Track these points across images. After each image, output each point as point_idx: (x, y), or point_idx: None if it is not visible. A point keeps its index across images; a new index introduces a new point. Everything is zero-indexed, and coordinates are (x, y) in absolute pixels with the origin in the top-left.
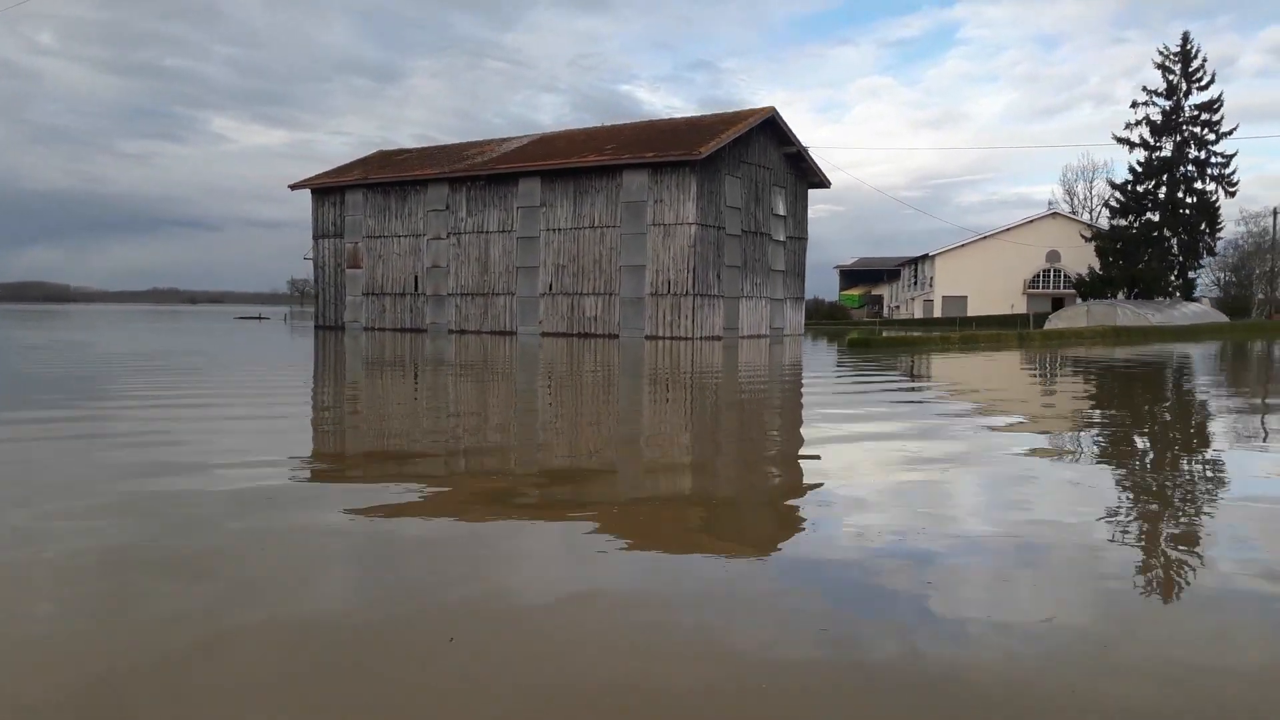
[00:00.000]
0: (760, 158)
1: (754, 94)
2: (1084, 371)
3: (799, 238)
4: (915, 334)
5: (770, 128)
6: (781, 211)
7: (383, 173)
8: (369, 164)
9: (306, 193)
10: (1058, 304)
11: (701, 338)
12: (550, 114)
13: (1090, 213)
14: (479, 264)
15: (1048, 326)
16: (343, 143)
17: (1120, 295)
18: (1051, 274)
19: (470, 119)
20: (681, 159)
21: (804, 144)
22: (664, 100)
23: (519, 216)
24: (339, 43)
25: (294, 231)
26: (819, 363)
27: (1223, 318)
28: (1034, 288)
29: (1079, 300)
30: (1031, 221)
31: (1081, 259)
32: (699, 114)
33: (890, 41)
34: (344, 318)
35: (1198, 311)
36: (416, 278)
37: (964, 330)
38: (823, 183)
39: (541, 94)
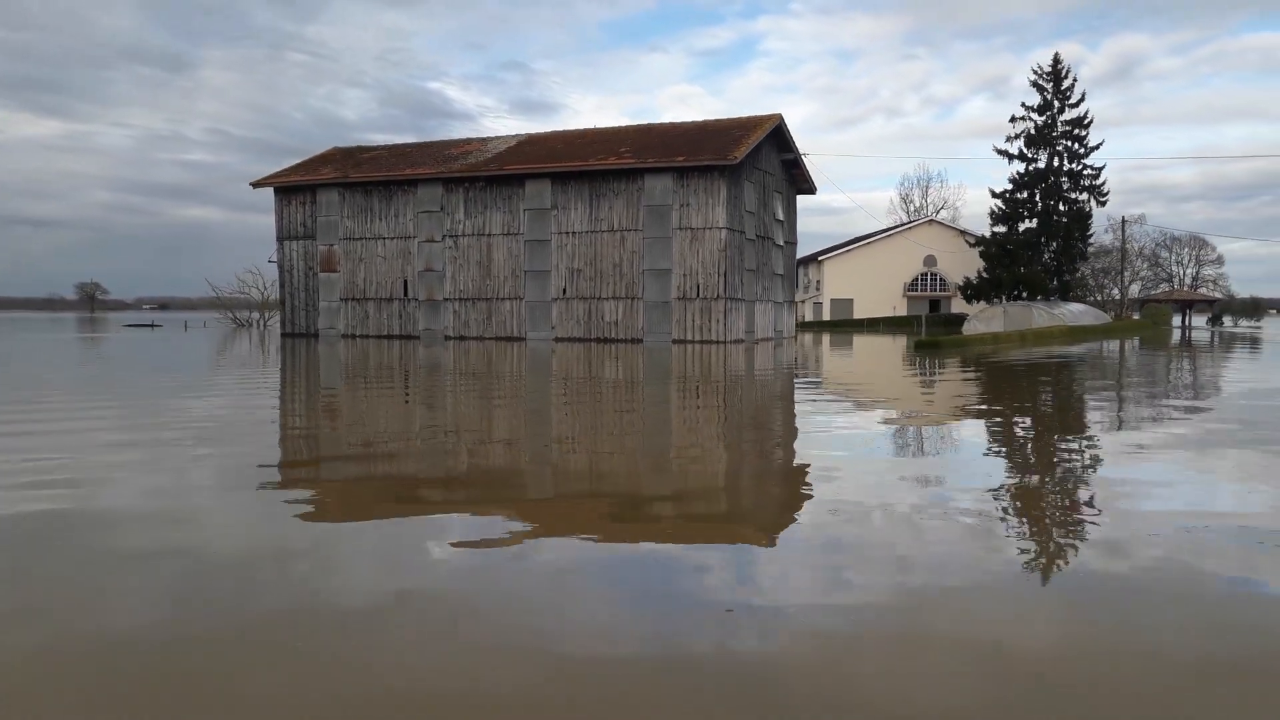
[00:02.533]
0: (766, 164)
1: (567, 96)
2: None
3: (791, 242)
4: (952, 336)
5: (774, 134)
6: (781, 216)
7: (362, 171)
8: (331, 161)
9: (85, 189)
10: (934, 306)
11: (729, 341)
12: (355, 110)
13: (924, 218)
14: (480, 268)
15: (968, 327)
16: (125, 135)
17: (1003, 298)
18: (929, 278)
19: (268, 113)
20: (713, 163)
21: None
22: (475, 100)
23: (526, 219)
24: (123, 27)
25: (73, 231)
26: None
27: (1106, 316)
28: (913, 291)
29: (973, 301)
30: (911, 228)
31: (957, 263)
32: (704, 119)
33: (698, 51)
34: (318, 324)
35: (1086, 310)
36: (406, 282)
37: (932, 333)
38: (811, 189)
39: (346, 89)
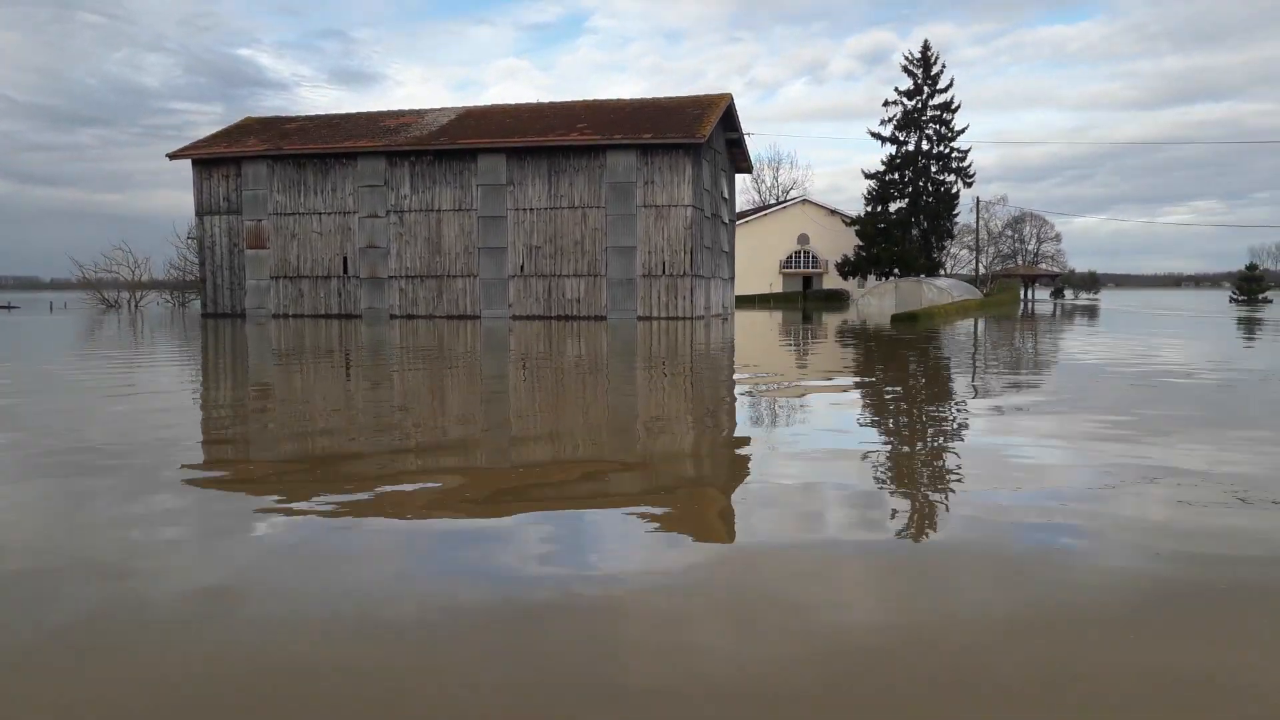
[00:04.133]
0: (716, 142)
1: (389, 66)
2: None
3: (734, 220)
4: (923, 309)
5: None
6: (726, 195)
7: (291, 142)
8: (253, 132)
9: None
10: (808, 282)
11: (693, 317)
12: (158, 77)
13: (775, 198)
14: (428, 244)
15: (863, 303)
16: None
17: (880, 275)
18: (802, 255)
19: (57, 78)
20: (680, 141)
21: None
22: (291, 69)
23: (480, 195)
24: None
25: None
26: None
27: (976, 290)
28: (788, 268)
29: (849, 277)
30: (785, 207)
31: (828, 242)
32: (652, 96)
33: (526, 25)
34: (244, 304)
35: (957, 284)
36: (345, 259)
37: (810, 307)
38: (748, 167)
39: (146, 54)
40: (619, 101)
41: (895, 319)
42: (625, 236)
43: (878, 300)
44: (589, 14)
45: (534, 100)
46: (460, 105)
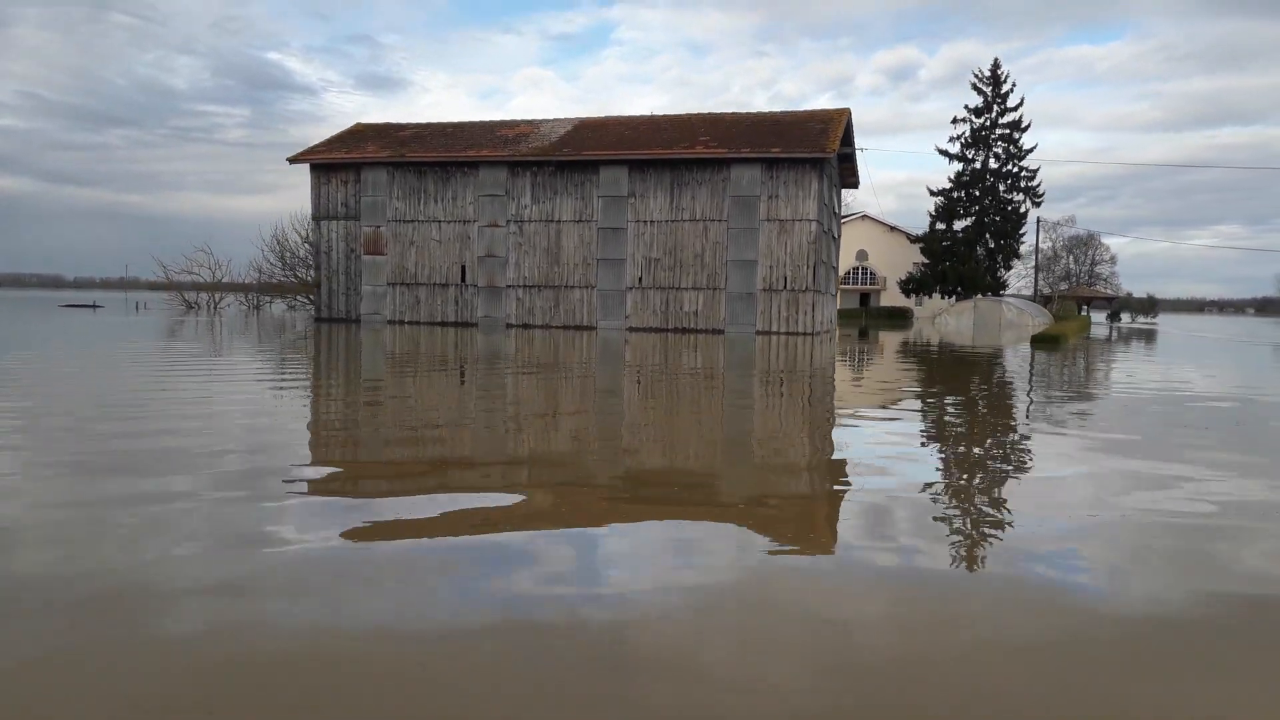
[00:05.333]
0: (832, 157)
1: (415, 73)
2: None
3: (839, 235)
4: (1055, 331)
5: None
6: (836, 209)
7: (410, 150)
8: (369, 138)
9: None
10: (865, 299)
11: (812, 333)
12: (187, 79)
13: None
14: (547, 255)
15: (940, 321)
16: None
17: (945, 294)
18: (861, 272)
19: (88, 78)
20: (808, 156)
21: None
22: (319, 73)
23: (600, 206)
24: None
25: None
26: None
27: (1047, 311)
28: (846, 284)
29: (912, 295)
30: (845, 223)
31: (887, 259)
32: (768, 110)
33: (552, 35)
34: (359, 309)
35: (1031, 304)
36: (464, 267)
37: (873, 324)
38: (855, 183)
39: (177, 55)
40: (735, 115)
41: (1037, 340)
42: (747, 250)
43: (955, 320)
44: (616, 25)
45: (650, 113)
46: (575, 116)
